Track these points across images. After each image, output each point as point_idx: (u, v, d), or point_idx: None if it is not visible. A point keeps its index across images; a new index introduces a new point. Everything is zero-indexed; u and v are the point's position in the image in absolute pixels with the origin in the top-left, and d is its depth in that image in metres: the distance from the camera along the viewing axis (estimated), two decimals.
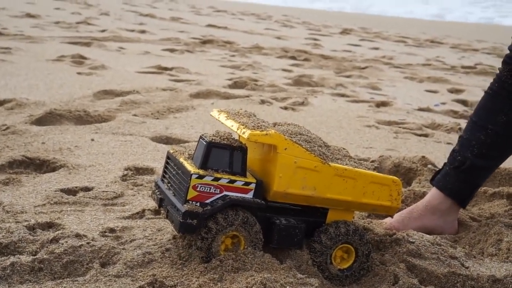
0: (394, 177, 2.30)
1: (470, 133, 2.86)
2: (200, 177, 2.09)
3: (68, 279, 2.08)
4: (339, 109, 5.80)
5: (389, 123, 5.40)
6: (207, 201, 2.11)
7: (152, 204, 2.77)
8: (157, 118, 4.69)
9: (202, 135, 2.20)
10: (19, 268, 2.07)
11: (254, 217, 2.15)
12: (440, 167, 3.50)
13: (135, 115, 4.67)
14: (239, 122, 2.18)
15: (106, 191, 2.87)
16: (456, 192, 2.82)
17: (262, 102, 5.65)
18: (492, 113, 2.83)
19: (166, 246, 2.28)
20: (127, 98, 5.28)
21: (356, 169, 2.23)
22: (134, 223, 2.57)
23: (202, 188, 2.10)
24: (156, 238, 2.40)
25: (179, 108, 5.12)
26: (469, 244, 2.69)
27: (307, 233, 2.25)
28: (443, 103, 6.90)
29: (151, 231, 2.50)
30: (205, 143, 2.14)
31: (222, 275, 2.07)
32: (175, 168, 2.22)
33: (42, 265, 2.11)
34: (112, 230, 2.47)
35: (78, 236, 2.31)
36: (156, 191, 2.32)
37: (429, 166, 3.54)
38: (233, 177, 2.13)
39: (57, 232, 2.32)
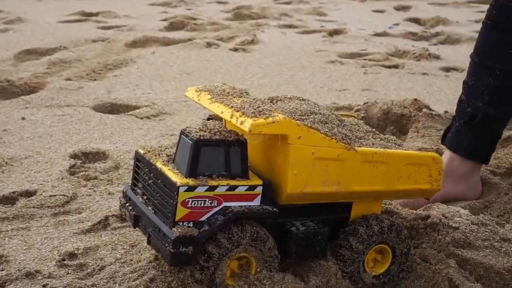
0: (434, 154, 1.80)
1: (475, 77, 2.33)
2: (190, 188, 1.54)
3: None
4: (292, 44, 5.24)
5: (351, 55, 4.89)
6: (203, 218, 1.57)
7: (116, 206, 2.20)
8: (95, 80, 4.03)
9: (184, 130, 1.63)
10: None
11: (265, 230, 1.62)
12: (437, 112, 3.04)
13: (68, 79, 4.00)
14: (232, 107, 1.62)
15: (54, 195, 2.28)
16: (473, 151, 2.34)
17: (208, 45, 5.03)
18: (498, 49, 2.31)
19: (149, 274, 1.73)
20: (54, 57, 4.58)
21: (388, 150, 1.72)
22: (98, 239, 2.00)
23: (195, 203, 1.55)
24: (132, 261, 1.85)
25: (117, 63, 4.46)
26: (504, 210, 2.24)
27: (329, 236, 1.74)
28: (397, 24, 6.43)
29: (123, 248, 1.94)
30: (191, 142, 1.57)
31: None
32: (152, 176, 1.66)
33: None
34: (72, 256, 1.89)
35: (29, 275, 1.74)
36: (127, 204, 1.75)
37: (425, 110, 3.06)
38: (233, 182, 1.58)
39: (0, 273, 1.74)
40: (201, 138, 1.57)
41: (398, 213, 2.03)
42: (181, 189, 1.52)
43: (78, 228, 2.06)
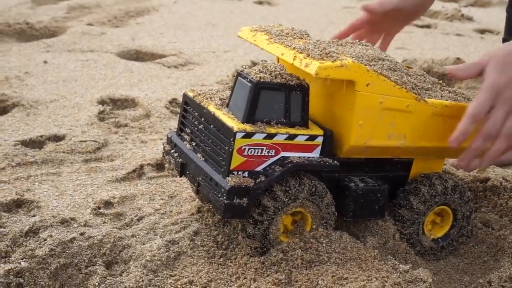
0: None
1: None
2: (248, 135, 1.40)
3: None
4: (319, 1, 5.06)
5: None
6: (259, 168, 1.43)
7: (150, 155, 2.07)
8: (117, 26, 3.88)
9: (241, 71, 1.49)
10: None
11: (323, 184, 1.49)
12: None
13: (90, 24, 3.84)
14: (294, 48, 1.48)
15: (84, 141, 2.15)
16: None
17: None
18: None
19: (192, 227, 1.61)
20: (73, 2, 4.42)
21: (458, 103, 1.58)
22: (134, 188, 1.88)
23: (251, 151, 1.41)
24: (171, 212, 1.73)
25: (139, 11, 4.30)
26: None
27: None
28: None
29: (162, 199, 1.82)
30: (249, 84, 1.43)
31: (289, 273, 1.43)
32: (203, 120, 1.52)
33: (21, 280, 1.42)
34: (108, 204, 1.78)
35: (64, 222, 1.61)
36: (172, 151, 1.62)
37: None
38: (292, 131, 1.45)
39: (33, 219, 1.61)
40: (262, 80, 1.43)
41: (454, 175, 1.90)
42: (238, 135, 1.39)
43: (112, 176, 1.94)
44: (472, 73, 1.53)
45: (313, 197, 1.47)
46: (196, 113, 1.55)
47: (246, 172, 1.42)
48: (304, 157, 1.46)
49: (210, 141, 1.48)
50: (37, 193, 1.81)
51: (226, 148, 1.41)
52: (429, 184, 1.61)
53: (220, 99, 1.54)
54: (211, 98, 1.55)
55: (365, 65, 1.46)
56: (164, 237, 1.58)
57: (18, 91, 2.62)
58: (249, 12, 4.43)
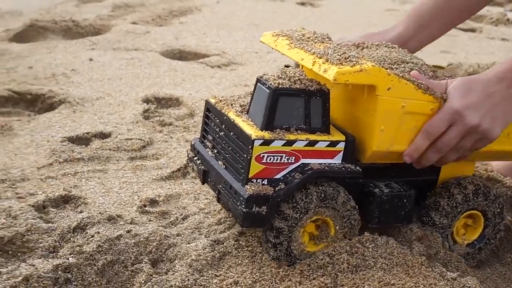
0: None
1: None
2: (266, 142, 1.40)
3: None
4: (361, 2, 5.10)
5: None
6: (278, 176, 1.45)
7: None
8: (161, 26, 4.00)
9: (261, 77, 1.51)
10: (36, 285, 1.42)
11: (333, 185, 1.48)
12: None
13: (134, 22, 3.97)
14: (313, 53, 1.49)
15: (130, 138, 2.25)
16: None
17: None
18: None
19: (237, 227, 1.64)
20: (118, 0, 4.55)
21: None
22: (178, 187, 1.96)
23: (270, 159, 1.42)
24: (215, 211, 1.79)
25: (182, 10, 4.41)
26: None
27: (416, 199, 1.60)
28: None
29: (206, 198, 1.88)
30: (268, 90, 1.45)
31: (335, 277, 1.43)
32: (224, 127, 1.55)
33: (69, 275, 1.48)
34: (153, 202, 1.85)
35: (111, 219, 1.70)
36: (195, 158, 1.65)
37: None
38: (312, 137, 1.45)
39: (80, 215, 1.70)
40: (280, 86, 1.43)
41: (501, 182, 1.93)
42: (256, 143, 1.39)
43: (157, 175, 2.02)
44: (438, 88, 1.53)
45: (325, 203, 1.46)
46: (217, 120, 1.57)
47: (266, 180, 1.42)
48: (325, 163, 1.46)
49: (230, 148, 1.50)
50: (84, 189, 1.91)
51: (245, 155, 1.41)
52: (448, 195, 1.61)
53: (241, 106, 1.55)
54: (232, 104, 1.57)
55: (387, 68, 1.46)
56: (209, 236, 1.63)
57: (65, 88, 2.74)
58: (291, 13, 4.50)
